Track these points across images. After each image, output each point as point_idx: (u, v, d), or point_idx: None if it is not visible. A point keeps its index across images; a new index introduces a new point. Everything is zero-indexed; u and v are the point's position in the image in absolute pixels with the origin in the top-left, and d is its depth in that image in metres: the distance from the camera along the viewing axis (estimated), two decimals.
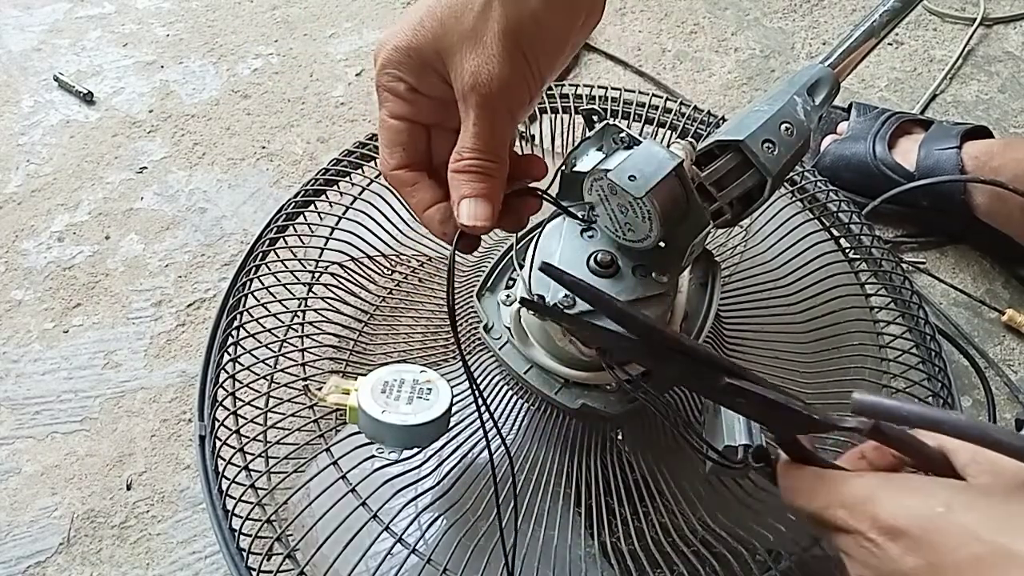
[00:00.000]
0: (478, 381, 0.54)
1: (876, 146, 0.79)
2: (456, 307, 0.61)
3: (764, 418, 0.38)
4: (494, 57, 0.36)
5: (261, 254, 0.64)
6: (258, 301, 0.61)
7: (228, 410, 0.55)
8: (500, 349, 0.52)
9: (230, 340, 0.59)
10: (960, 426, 0.31)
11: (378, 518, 0.48)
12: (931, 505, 0.32)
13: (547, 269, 0.35)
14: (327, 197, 0.67)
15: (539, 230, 0.51)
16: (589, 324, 0.39)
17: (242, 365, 0.58)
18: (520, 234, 0.54)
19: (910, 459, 0.36)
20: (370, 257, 0.63)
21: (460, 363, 0.55)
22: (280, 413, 0.54)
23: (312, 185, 0.68)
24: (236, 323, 0.60)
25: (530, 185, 0.43)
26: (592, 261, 0.47)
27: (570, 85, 0.73)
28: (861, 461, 0.38)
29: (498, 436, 0.44)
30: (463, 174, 0.38)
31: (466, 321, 0.56)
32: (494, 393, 0.54)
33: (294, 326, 0.59)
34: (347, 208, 0.65)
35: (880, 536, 0.33)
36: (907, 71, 0.97)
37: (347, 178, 0.67)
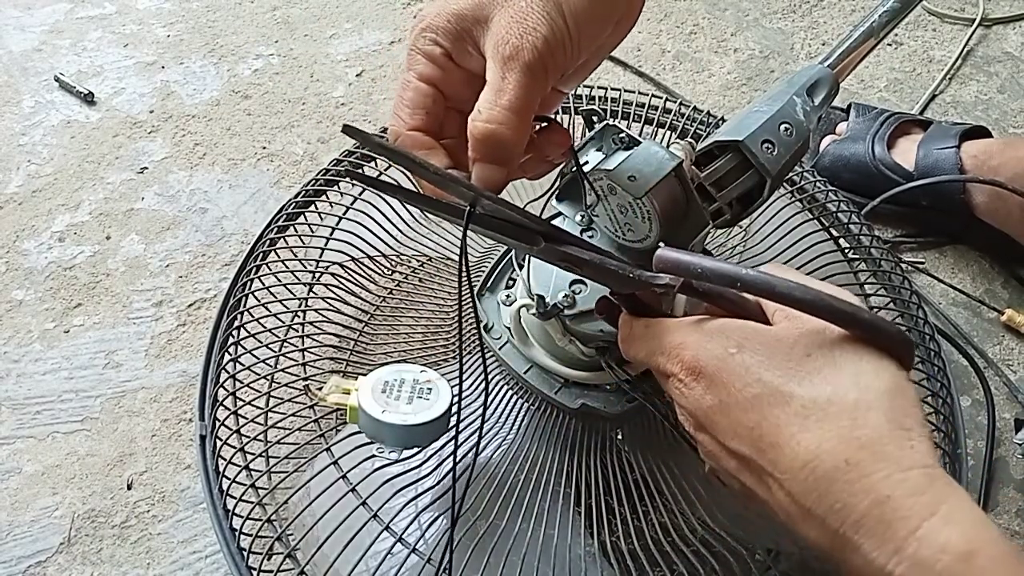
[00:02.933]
0: (478, 381, 0.54)
1: (875, 146, 0.80)
2: (456, 307, 0.61)
3: (592, 275, 0.40)
4: (533, 14, 0.36)
5: (262, 254, 0.64)
6: (259, 301, 0.61)
7: (229, 410, 0.56)
8: (500, 349, 0.52)
9: (231, 340, 0.59)
10: (750, 280, 0.34)
11: (378, 518, 0.48)
12: (726, 346, 0.35)
13: (347, 130, 0.32)
14: (327, 197, 0.67)
15: None
16: (419, 195, 0.37)
17: (243, 365, 0.58)
18: None
19: (728, 310, 0.38)
20: (370, 257, 0.63)
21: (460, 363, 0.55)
22: (281, 413, 0.55)
23: (312, 185, 0.68)
24: (237, 323, 0.60)
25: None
26: None
27: None
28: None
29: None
30: (477, 140, 0.36)
31: (466, 321, 0.56)
32: (494, 393, 0.54)
33: (295, 326, 0.59)
34: (347, 208, 0.65)
35: (688, 377, 0.36)
36: (906, 72, 0.97)
37: (348, 178, 0.67)
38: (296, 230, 0.65)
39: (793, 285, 0.33)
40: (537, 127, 0.42)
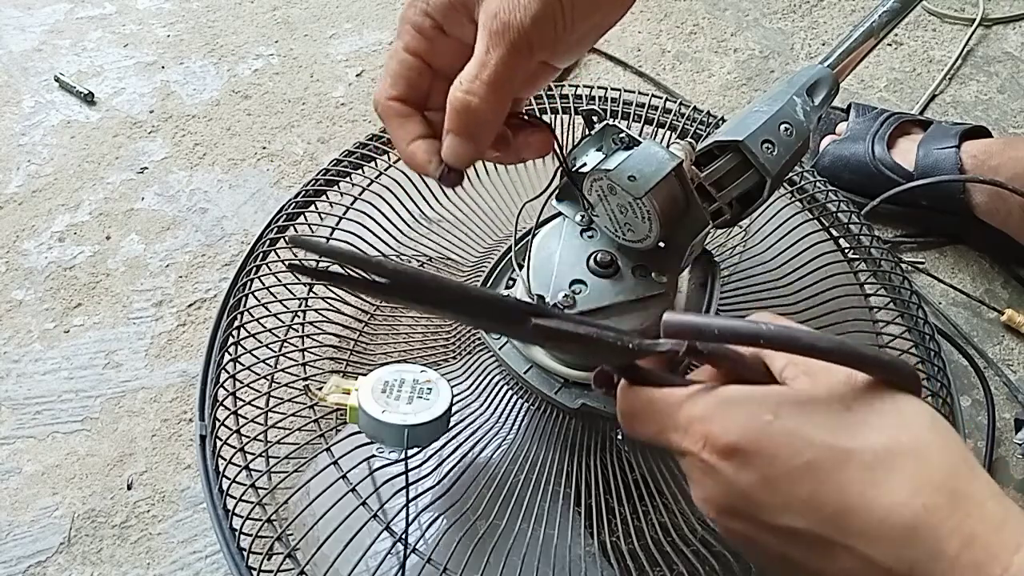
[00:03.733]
0: (477, 381, 0.54)
1: (875, 146, 0.80)
2: None
3: (586, 353, 0.38)
4: None
5: (262, 254, 0.64)
6: (259, 301, 0.61)
7: (229, 410, 0.56)
8: (500, 349, 0.52)
9: (231, 340, 0.59)
10: (771, 335, 0.31)
11: (378, 518, 0.48)
12: (759, 415, 0.32)
13: (293, 238, 0.32)
14: (328, 197, 0.67)
15: (537, 231, 0.51)
16: (381, 286, 0.35)
17: (243, 365, 0.58)
18: (519, 235, 0.54)
19: (731, 372, 0.35)
20: None
21: (460, 363, 0.55)
22: (281, 413, 0.55)
23: (313, 185, 0.68)
24: (237, 323, 0.60)
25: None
26: (592, 261, 0.47)
27: (570, 85, 0.73)
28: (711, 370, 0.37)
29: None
30: (454, 109, 0.36)
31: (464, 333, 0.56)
32: (494, 393, 0.54)
33: (295, 326, 0.59)
34: (348, 208, 0.65)
35: (713, 456, 0.32)
36: (906, 72, 0.97)
37: (347, 178, 0.68)
38: (296, 230, 0.65)
39: (816, 335, 0.32)
40: (523, 115, 0.42)
